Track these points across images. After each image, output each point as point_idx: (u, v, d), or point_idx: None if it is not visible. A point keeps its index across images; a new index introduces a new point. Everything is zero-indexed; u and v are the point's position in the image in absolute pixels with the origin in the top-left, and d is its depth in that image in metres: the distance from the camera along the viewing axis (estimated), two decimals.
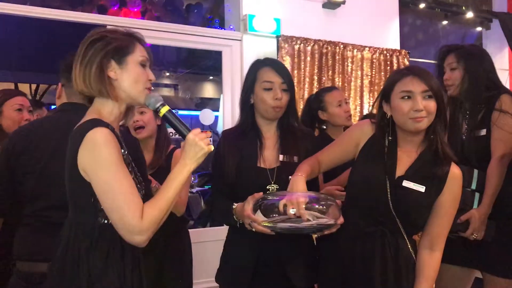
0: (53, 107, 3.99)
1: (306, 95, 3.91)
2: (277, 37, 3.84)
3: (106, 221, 1.22)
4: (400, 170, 1.50)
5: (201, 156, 1.25)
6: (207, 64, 7.03)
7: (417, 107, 1.43)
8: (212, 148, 1.27)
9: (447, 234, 1.49)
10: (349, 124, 2.48)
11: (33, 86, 7.40)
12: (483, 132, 1.94)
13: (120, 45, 1.28)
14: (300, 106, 3.90)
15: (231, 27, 3.99)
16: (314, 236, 1.77)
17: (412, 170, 1.49)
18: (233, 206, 1.58)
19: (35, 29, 4.72)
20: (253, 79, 1.72)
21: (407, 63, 4.36)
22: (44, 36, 4.95)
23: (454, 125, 2.04)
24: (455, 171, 1.47)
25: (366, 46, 4.21)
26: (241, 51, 3.84)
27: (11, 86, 6.53)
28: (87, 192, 1.20)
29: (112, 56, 1.26)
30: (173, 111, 1.30)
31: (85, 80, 1.26)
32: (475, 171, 1.87)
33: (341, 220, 1.44)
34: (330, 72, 4.04)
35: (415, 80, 1.45)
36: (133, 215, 1.14)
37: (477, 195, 1.86)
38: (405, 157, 1.51)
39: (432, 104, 1.43)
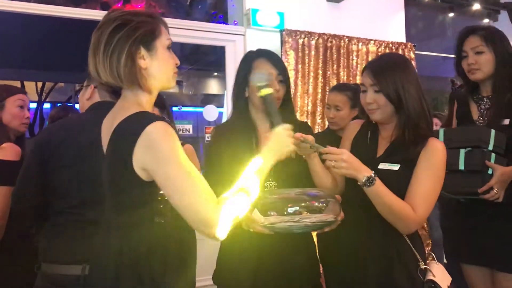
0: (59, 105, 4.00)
1: (311, 90, 3.88)
2: (281, 31, 3.80)
3: (163, 220, 1.16)
4: (378, 155, 1.53)
5: (284, 153, 1.22)
6: (213, 60, 7.01)
7: (366, 100, 1.50)
8: (296, 150, 1.25)
9: (424, 205, 1.42)
10: (333, 128, 2.56)
11: (39, 84, 7.44)
12: (507, 121, 1.87)
13: (148, 29, 1.18)
14: (305, 101, 3.90)
15: (235, 22, 3.96)
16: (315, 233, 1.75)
17: (387, 153, 1.51)
18: None
19: (39, 27, 4.73)
20: (247, 71, 1.65)
21: (413, 56, 4.30)
22: (49, 34, 4.96)
23: (466, 115, 2.00)
24: (431, 143, 1.46)
25: (371, 40, 4.16)
26: (244, 46, 3.81)
27: (17, 84, 6.58)
28: (144, 192, 1.12)
29: (141, 42, 1.17)
30: (272, 96, 1.32)
31: (113, 70, 1.16)
32: (492, 131, 1.80)
33: (341, 216, 1.41)
34: (335, 66, 4.00)
35: (365, 74, 1.50)
36: (207, 208, 1.05)
37: (493, 155, 1.79)
38: (384, 143, 1.54)
39: (380, 98, 1.46)
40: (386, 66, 1.48)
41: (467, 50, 1.96)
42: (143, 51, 1.18)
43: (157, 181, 1.09)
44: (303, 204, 1.38)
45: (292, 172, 1.62)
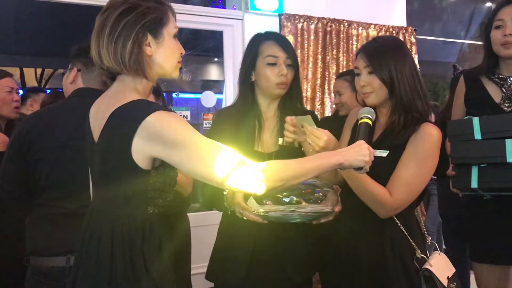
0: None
1: (310, 75, 3.84)
2: (279, 15, 3.74)
3: (156, 210, 1.16)
4: (373, 141, 1.50)
5: (358, 160, 1.20)
6: (212, 45, 6.96)
7: (360, 83, 1.47)
8: (368, 169, 1.25)
9: (402, 190, 1.38)
10: (342, 113, 2.56)
11: (38, 71, 7.44)
12: None
13: (157, 16, 1.15)
14: (304, 86, 3.86)
15: (234, 7, 3.91)
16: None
17: (379, 139, 1.48)
18: (224, 193, 1.46)
19: (38, 12, 4.70)
20: (254, 53, 1.60)
21: (413, 40, 4.24)
22: (48, 20, 4.93)
23: (483, 98, 1.84)
24: (424, 128, 1.42)
25: (371, 24, 4.10)
26: (242, 30, 3.76)
27: (16, 71, 6.58)
28: (139, 181, 1.11)
29: (148, 29, 1.13)
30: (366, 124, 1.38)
31: (117, 56, 1.12)
32: None
33: (339, 207, 1.39)
34: (334, 51, 3.95)
35: (360, 56, 1.48)
36: (212, 169, 1.04)
37: None
38: (380, 130, 1.51)
39: (374, 80, 1.43)
40: (381, 49, 1.45)
41: (505, 19, 1.72)
42: (150, 38, 1.14)
43: (173, 163, 1.09)
44: (300, 193, 1.35)
45: None
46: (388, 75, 1.42)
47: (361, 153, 1.21)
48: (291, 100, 1.64)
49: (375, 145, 1.47)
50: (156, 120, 1.06)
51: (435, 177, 3.31)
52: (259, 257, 1.53)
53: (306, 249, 1.60)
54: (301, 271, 1.58)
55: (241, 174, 1.06)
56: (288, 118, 1.43)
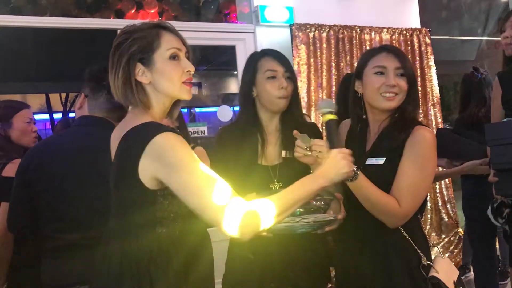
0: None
1: (324, 83, 3.84)
2: (290, 26, 3.76)
3: (165, 230, 1.16)
4: (367, 150, 1.49)
5: (338, 175, 1.20)
6: (231, 59, 7.02)
7: (389, 82, 1.41)
8: (352, 173, 1.25)
9: (409, 198, 1.37)
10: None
11: (63, 95, 7.69)
12: None
13: (143, 43, 1.16)
14: (319, 95, 3.86)
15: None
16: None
17: (374, 147, 1.46)
18: None
19: (59, 39, 4.87)
20: (253, 70, 1.65)
21: (428, 41, 4.19)
22: (67, 45, 5.09)
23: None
24: (418, 131, 1.41)
25: (384, 28, 4.08)
26: (255, 43, 3.79)
27: (42, 96, 6.84)
28: (146, 201, 1.12)
29: (138, 58, 1.15)
30: (334, 121, 1.34)
31: (118, 92, 1.17)
32: None
33: (342, 214, 1.38)
34: (348, 58, 3.94)
35: (390, 57, 1.45)
36: (211, 208, 1.04)
37: None
38: (373, 138, 1.50)
39: (403, 82, 1.42)
40: (405, 54, 1.49)
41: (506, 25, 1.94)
42: (142, 67, 1.16)
43: (171, 187, 1.09)
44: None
45: (299, 172, 1.55)
46: (414, 78, 1.45)
47: (338, 167, 1.20)
48: (291, 114, 1.67)
49: (370, 153, 1.47)
50: (162, 140, 1.07)
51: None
52: (270, 272, 1.54)
53: (315, 261, 1.59)
54: (313, 283, 1.57)
55: (235, 214, 1.05)
56: (296, 132, 1.42)
